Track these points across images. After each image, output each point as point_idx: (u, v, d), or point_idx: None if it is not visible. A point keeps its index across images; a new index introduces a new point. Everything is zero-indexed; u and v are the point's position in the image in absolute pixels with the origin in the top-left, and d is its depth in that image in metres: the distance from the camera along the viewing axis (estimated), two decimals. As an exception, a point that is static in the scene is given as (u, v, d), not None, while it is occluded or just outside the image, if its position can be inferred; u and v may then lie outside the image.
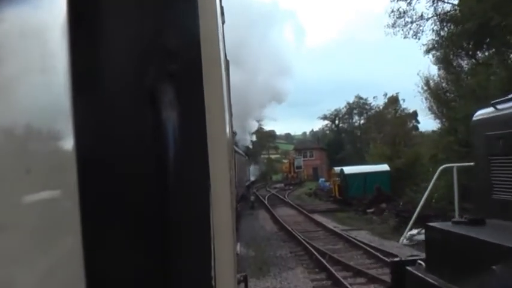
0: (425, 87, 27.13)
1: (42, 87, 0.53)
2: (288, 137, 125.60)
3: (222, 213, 1.00)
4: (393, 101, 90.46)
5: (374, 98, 38.45)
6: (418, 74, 28.52)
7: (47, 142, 0.54)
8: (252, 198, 34.26)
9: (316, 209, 29.56)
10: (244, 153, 42.08)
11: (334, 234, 19.75)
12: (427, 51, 22.84)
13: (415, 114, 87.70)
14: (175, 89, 0.84)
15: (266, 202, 36.51)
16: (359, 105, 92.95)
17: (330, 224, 23.44)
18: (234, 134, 14.16)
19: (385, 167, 29.82)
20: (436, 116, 26.71)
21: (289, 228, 21.56)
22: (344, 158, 78.24)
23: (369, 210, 25.01)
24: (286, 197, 42.14)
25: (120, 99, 0.82)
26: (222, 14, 1.86)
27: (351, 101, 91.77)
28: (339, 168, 32.45)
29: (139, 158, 0.82)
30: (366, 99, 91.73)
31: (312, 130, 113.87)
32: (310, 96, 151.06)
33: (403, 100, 36.39)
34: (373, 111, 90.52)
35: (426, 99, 27.21)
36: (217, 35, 1.04)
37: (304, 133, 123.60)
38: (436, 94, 25.25)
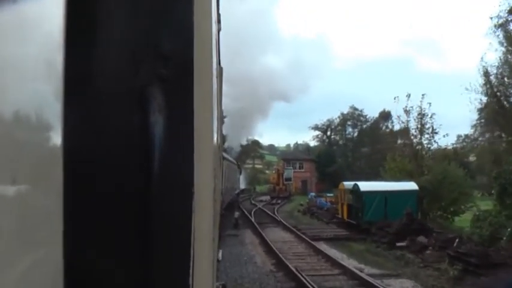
0: (483, 80, 20.67)
1: (32, 88, 0.54)
2: (271, 148, 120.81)
3: (203, 221, 1.00)
4: (385, 116, 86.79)
5: (395, 98, 30.22)
6: (482, 58, 22.09)
7: (35, 141, 0.54)
8: (237, 214, 27.13)
9: (320, 235, 22.58)
10: (235, 161, 39.73)
11: (365, 286, 12.81)
12: (499, 27, 16.29)
13: (407, 131, 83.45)
14: (165, 94, 0.85)
15: (252, 219, 29.42)
16: (353, 117, 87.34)
17: (347, 261, 16.50)
18: (223, 139, 12.08)
19: (411, 186, 23.11)
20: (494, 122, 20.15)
21: (291, 267, 14.58)
22: (336, 172, 72.15)
23: (399, 244, 18.10)
24: (275, 213, 35.12)
25: (109, 101, 0.83)
26: (219, 21, 2.31)
27: (345, 112, 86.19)
28: (350, 183, 25.59)
29: (124, 161, 0.83)
30: (361, 111, 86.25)
31: (296, 142, 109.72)
32: (294, 108, 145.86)
33: (429, 104, 29.12)
34: (368, 123, 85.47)
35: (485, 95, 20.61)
36: (211, 42, 1.06)
37: (288, 145, 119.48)
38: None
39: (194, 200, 0.89)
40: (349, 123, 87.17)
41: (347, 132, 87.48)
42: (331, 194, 45.31)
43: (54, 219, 0.61)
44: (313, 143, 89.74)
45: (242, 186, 56.46)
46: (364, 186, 23.02)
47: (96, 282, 0.80)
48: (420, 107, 29.10)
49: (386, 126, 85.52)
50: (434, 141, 29.37)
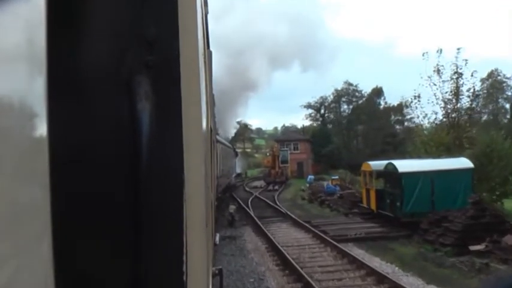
0: None
1: (16, 76, 0.52)
2: (259, 131, 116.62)
3: (195, 208, 0.99)
4: (377, 92, 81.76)
5: (424, 54, 24.01)
6: None
7: (19, 131, 0.53)
8: (232, 208, 21.33)
9: (346, 233, 16.89)
10: (230, 145, 38.31)
11: None
12: None
13: (400, 108, 78.19)
14: (152, 80, 0.85)
15: (251, 212, 23.68)
16: (348, 93, 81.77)
17: (406, 279, 10.94)
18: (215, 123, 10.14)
19: (464, 163, 17.48)
20: None
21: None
22: (332, 152, 66.92)
23: (475, 248, 12.47)
24: (277, 202, 29.38)
25: (96, 89, 0.82)
26: (206, 4, 2.22)
27: (339, 88, 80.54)
28: (378, 162, 19.91)
29: (112, 149, 0.82)
30: (356, 86, 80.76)
31: (284, 125, 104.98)
32: (281, 90, 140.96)
33: (465, 61, 23.15)
34: (364, 99, 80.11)
35: None
36: (197, 26, 1.04)
37: (276, 128, 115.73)
38: None
39: (185, 187, 0.88)
40: (343, 99, 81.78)
41: (342, 109, 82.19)
42: (336, 177, 39.90)
43: (42, 210, 0.57)
44: (306, 123, 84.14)
45: (238, 170, 52.90)
46: (403, 165, 17.26)
47: (87, 274, 0.79)
48: (456, 65, 23.09)
49: (379, 103, 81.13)
50: (477, 104, 23.50)
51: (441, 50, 24.00)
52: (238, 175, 51.33)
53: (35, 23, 0.56)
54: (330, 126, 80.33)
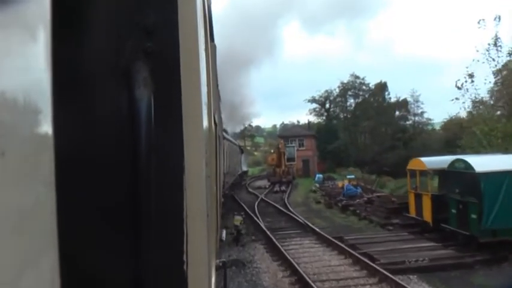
0: None
1: (19, 69, 0.52)
2: (258, 129, 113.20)
3: (196, 196, 0.98)
4: (381, 88, 77.12)
5: (479, 22, 19.34)
6: None
7: (24, 123, 0.52)
8: (239, 219, 16.48)
9: (402, 257, 12.05)
10: (236, 142, 37.15)
11: None
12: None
13: (405, 103, 73.48)
14: (151, 67, 0.85)
15: (261, 223, 18.85)
16: (354, 86, 76.93)
17: None
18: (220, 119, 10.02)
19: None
20: None
21: None
22: (339, 149, 62.26)
23: None
24: (288, 207, 24.61)
25: (95, 76, 0.82)
26: None
27: (345, 81, 75.71)
28: (435, 159, 15.13)
29: (112, 136, 0.82)
30: (363, 79, 75.90)
31: (283, 123, 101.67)
32: (279, 88, 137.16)
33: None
34: (371, 92, 75.39)
35: None
36: (196, 15, 1.03)
37: (275, 126, 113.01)
38: None
39: (185, 175, 0.87)
40: (349, 93, 76.93)
41: (348, 103, 77.37)
42: (353, 176, 35.22)
43: (47, 203, 0.56)
44: (310, 118, 79.26)
45: (244, 168, 48.80)
46: (481, 163, 12.38)
47: (91, 264, 0.79)
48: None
49: (384, 98, 76.41)
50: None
51: (499, 18, 19.26)
52: (244, 173, 47.42)
53: (37, 19, 0.54)
54: (335, 121, 75.63)
